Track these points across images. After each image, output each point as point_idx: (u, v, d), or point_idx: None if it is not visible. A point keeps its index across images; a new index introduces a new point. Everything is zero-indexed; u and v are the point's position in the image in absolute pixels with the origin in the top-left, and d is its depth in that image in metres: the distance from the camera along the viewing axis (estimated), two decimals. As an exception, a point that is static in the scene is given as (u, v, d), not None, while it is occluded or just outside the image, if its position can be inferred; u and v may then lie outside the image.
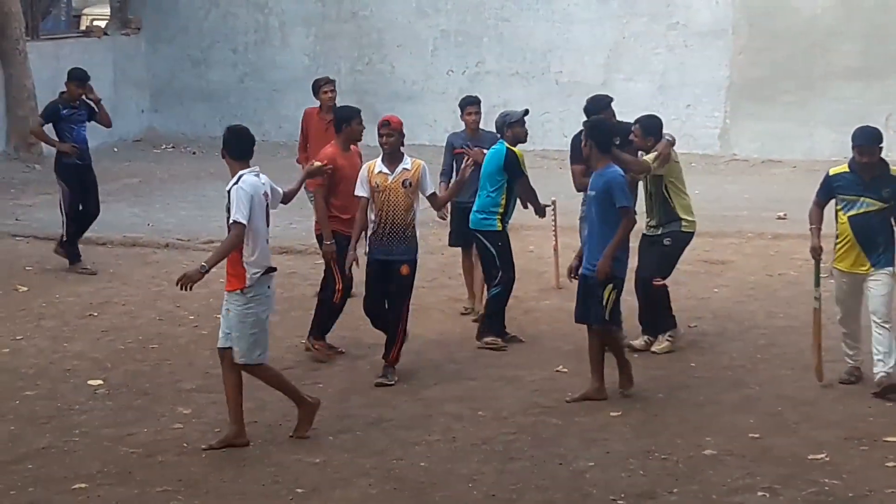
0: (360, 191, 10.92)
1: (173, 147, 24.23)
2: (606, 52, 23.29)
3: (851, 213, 10.35)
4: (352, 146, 11.60)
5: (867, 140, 10.39)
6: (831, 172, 10.59)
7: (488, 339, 11.79)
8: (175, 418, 10.00)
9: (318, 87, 14.43)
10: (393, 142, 10.94)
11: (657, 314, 11.69)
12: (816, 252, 10.52)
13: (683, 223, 11.55)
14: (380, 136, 10.96)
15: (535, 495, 8.47)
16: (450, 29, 24.15)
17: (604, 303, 10.16)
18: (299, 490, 8.63)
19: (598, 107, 12.05)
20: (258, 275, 9.24)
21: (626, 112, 22.48)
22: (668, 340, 11.61)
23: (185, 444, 9.45)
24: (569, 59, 23.42)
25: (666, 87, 23.02)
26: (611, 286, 10.19)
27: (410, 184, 10.87)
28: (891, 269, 10.38)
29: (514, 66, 23.71)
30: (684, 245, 11.75)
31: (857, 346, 10.73)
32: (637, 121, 11.70)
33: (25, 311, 13.14)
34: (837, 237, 10.49)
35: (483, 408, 10.23)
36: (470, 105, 13.23)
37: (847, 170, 10.46)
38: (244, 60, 25.35)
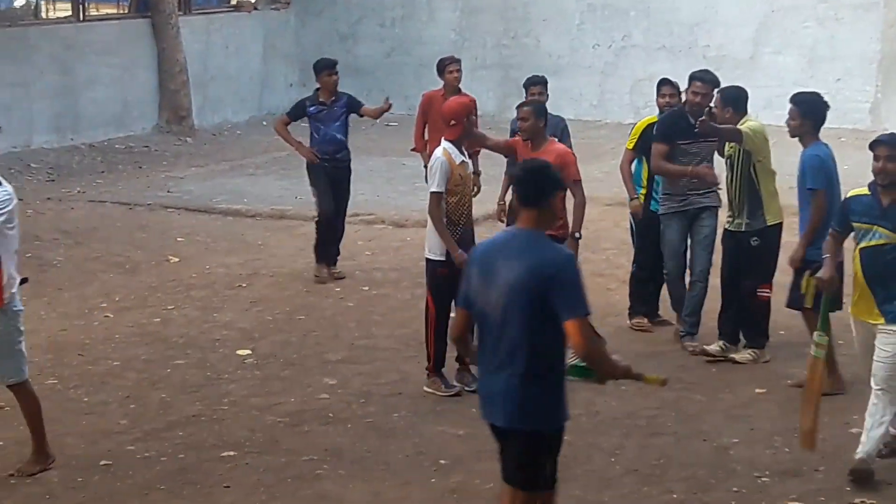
0: (441, 187, 9.92)
1: (321, 121, 24.45)
2: (755, 26, 22.97)
3: (863, 244, 8.36)
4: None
5: (882, 139, 8.41)
6: (850, 194, 8.58)
7: (635, 321, 11.71)
8: (321, 389, 10.14)
9: (443, 67, 13.70)
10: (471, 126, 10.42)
11: (750, 326, 10.79)
12: (826, 284, 8.55)
13: (768, 217, 10.52)
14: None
15: (677, 471, 8.45)
16: (596, 2, 23.99)
17: (801, 290, 9.32)
18: (442, 461, 8.71)
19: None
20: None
21: (773, 86, 22.30)
22: (751, 355, 10.72)
23: (330, 415, 9.58)
24: (716, 33, 23.15)
25: (815, 61, 22.65)
26: (808, 273, 9.14)
27: (475, 172, 10.81)
28: None
29: (661, 40, 23.50)
30: (777, 240, 10.64)
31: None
32: (720, 91, 10.90)
33: (176, 281, 13.40)
34: (853, 276, 8.56)
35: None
36: (534, 85, 12.13)
37: (867, 192, 8.43)
38: (391, 35, 25.47)
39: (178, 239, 15.24)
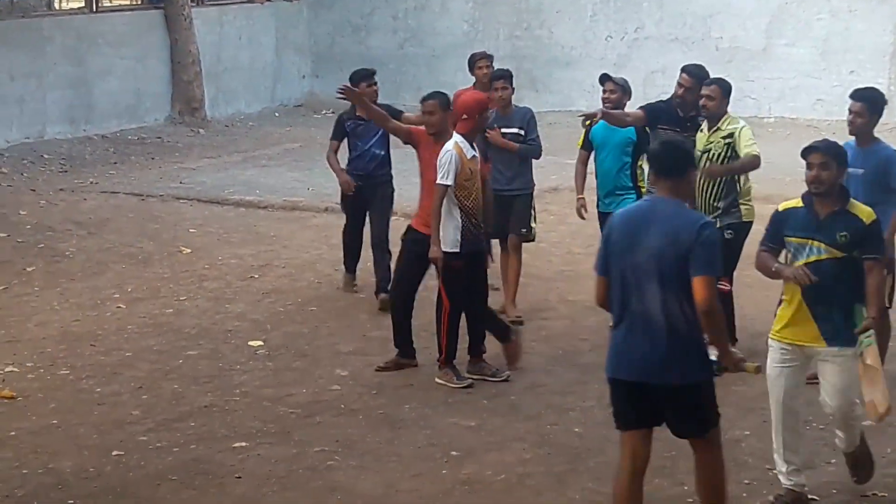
0: (449, 179, 9.87)
1: (333, 112, 24.24)
2: (768, 17, 22.92)
3: (800, 261, 7.64)
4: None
5: (815, 145, 7.77)
6: (781, 207, 7.91)
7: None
8: (333, 380, 10.15)
9: (473, 63, 12.70)
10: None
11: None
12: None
13: (743, 210, 10.41)
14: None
15: (689, 463, 8.39)
16: (609, -6, 24.01)
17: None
18: (454, 453, 8.71)
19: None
20: None
21: (787, 78, 22.29)
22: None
23: (342, 406, 9.59)
24: (730, 25, 23.10)
25: (828, 53, 22.60)
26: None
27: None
28: (853, 349, 7.63)
29: (674, 32, 23.46)
30: (745, 237, 10.37)
31: (795, 459, 7.88)
32: (716, 80, 10.59)
33: (188, 272, 13.41)
34: (782, 295, 7.90)
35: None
36: (497, 80, 11.78)
37: (800, 204, 7.76)
38: (404, 26, 25.45)
39: (191, 230, 15.25)
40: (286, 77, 25.14)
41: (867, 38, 22.31)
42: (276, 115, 23.62)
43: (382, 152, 12.28)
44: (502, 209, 11.26)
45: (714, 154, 10.36)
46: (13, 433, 9.06)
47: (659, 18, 23.58)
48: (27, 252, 14.10)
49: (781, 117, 22.01)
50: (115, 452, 8.75)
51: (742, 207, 10.42)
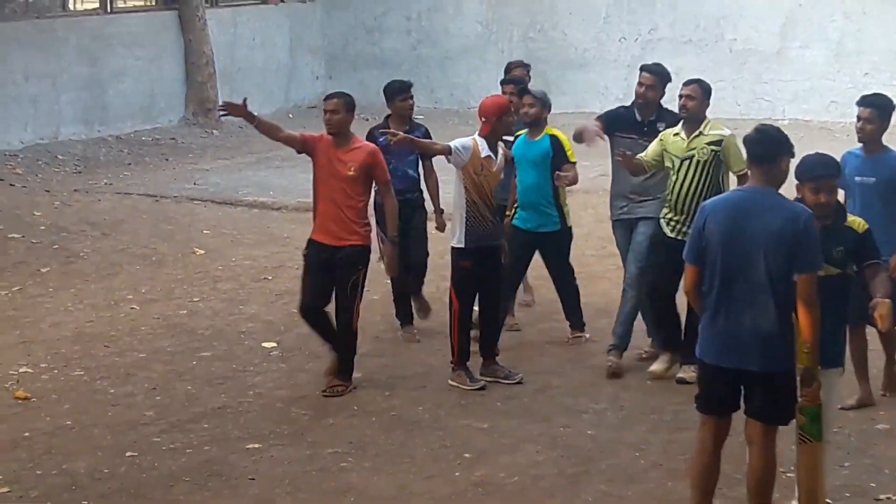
0: (457, 146, 9.95)
1: (347, 113, 24.44)
2: (782, 20, 22.93)
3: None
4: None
5: (826, 169, 7.50)
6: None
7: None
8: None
9: (509, 71, 12.51)
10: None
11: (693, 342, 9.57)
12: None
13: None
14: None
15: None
16: (623, -5, 24.02)
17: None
18: (467, 455, 8.72)
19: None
20: None
21: (800, 80, 22.26)
22: (695, 372, 8.40)
23: (355, 407, 9.59)
24: (743, 26, 23.11)
25: (842, 55, 22.60)
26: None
27: (501, 169, 10.34)
28: (838, 369, 7.62)
29: (688, 34, 23.47)
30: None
31: None
32: (699, 82, 10.15)
33: (202, 273, 13.44)
34: None
35: (652, 377, 10.21)
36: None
37: None
38: (417, 28, 25.48)
39: (205, 231, 15.28)
40: (300, 78, 25.20)
41: (881, 40, 22.31)
42: (290, 116, 23.63)
43: (415, 174, 11.35)
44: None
45: (698, 161, 9.91)
46: (27, 434, 9.09)
47: (672, 20, 23.58)
48: (41, 253, 14.14)
49: (795, 119, 22.01)
50: (128, 453, 8.77)
51: None
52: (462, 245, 9.99)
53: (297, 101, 24.65)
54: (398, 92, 11.22)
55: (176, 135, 21.45)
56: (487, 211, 10.01)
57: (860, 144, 9.54)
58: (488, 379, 10.07)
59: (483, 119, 10.09)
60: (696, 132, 9.98)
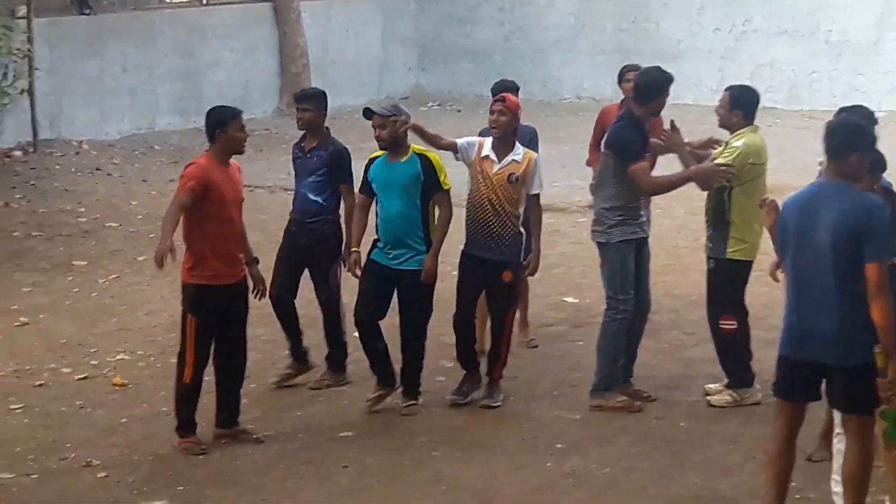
0: (462, 143, 9.48)
1: (439, 105, 24.52)
2: (879, 10, 22.63)
3: None
4: (231, 161, 9.10)
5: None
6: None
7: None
8: (438, 371, 10.17)
9: (622, 75, 11.57)
10: (504, 122, 9.36)
11: (724, 363, 9.57)
12: None
13: (731, 245, 9.31)
14: (491, 112, 9.49)
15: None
16: (717, -14, 23.85)
17: None
18: (559, 445, 8.73)
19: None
20: None
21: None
22: (729, 397, 9.47)
23: (446, 397, 9.62)
24: (839, 18, 22.83)
25: (942, 47, 22.31)
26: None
27: (517, 178, 9.34)
28: None
29: (782, 25, 23.23)
30: (733, 277, 9.36)
31: None
32: (729, 89, 9.61)
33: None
34: None
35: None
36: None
37: None
38: (510, 19, 25.45)
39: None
40: (392, 70, 25.27)
41: (981, 31, 21.98)
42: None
43: (318, 198, 10.12)
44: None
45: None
46: (124, 420, 9.22)
47: (767, 11, 23.36)
48: (138, 242, 14.31)
49: (892, 111, 21.71)
50: (223, 440, 8.87)
51: (732, 242, 9.29)
52: (462, 248, 9.57)
53: (390, 92, 24.70)
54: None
55: (270, 125, 21.60)
56: (493, 217, 9.33)
57: None
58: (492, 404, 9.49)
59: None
60: (725, 143, 9.54)
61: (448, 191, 9.31)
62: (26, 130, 18.41)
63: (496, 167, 9.37)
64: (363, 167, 9.52)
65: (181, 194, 8.72)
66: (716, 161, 9.33)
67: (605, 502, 7.91)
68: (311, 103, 10.14)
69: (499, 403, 9.52)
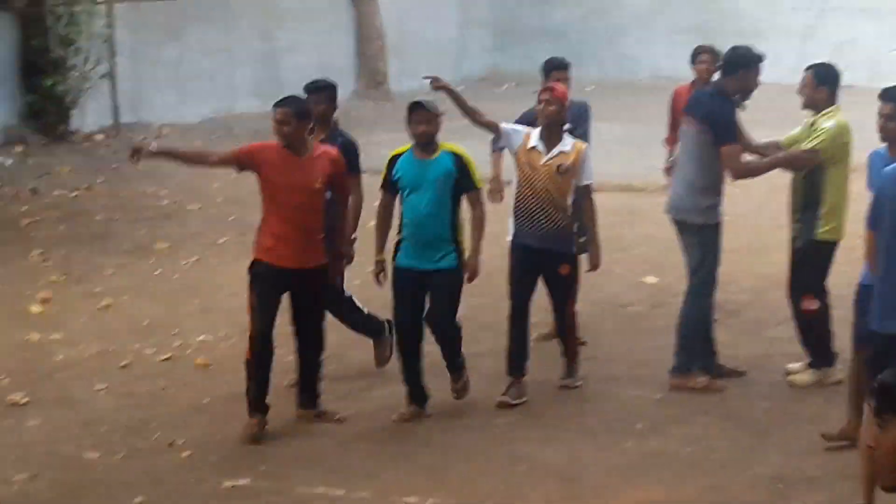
0: (507, 127, 9.46)
1: (516, 85, 24.48)
2: (962, -14, 22.38)
3: None
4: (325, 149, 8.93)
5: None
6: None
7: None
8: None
9: (695, 56, 11.59)
10: (552, 112, 9.17)
11: (806, 343, 9.52)
12: None
13: (821, 226, 9.18)
14: (538, 102, 9.32)
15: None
16: (797, -37, 23.65)
17: None
18: (639, 426, 8.73)
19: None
20: None
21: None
22: (811, 376, 9.46)
23: (527, 378, 9.61)
24: (922, -6, 22.60)
25: None
26: None
27: (566, 170, 9.14)
28: None
29: (863, 3, 23.00)
30: (820, 258, 9.28)
31: None
32: (812, 67, 9.40)
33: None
34: None
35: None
36: (557, 69, 10.53)
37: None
38: (586, -1, 25.41)
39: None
40: (469, 51, 25.28)
41: None
42: (460, 88, 23.59)
43: None
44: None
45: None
46: (208, 400, 9.32)
47: (847, -11, 23.14)
48: (219, 224, 14.44)
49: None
50: (312, 420, 8.94)
51: (822, 223, 9.19)
52: (509, 238, 9.45)
53: (466, 73, 24.71)
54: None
55: (347, 108, 21.59)
56: (537, 208, 9.18)
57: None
58: (512, 401, 9.23)
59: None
60: (812, 122, 9.37)
61: (480, 189, 8.99)
62: (107, 115, 18.63)
63: (544, 158, 9.17)
64: (386, 164, 9.09)
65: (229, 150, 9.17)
66: (808, 142, 9.20)
67: (686, 482, 7.90)
68: (322, 95, 9.75)
69: (579, 384, 9.52)
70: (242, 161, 8.91)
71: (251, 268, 8.79)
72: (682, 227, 9.40)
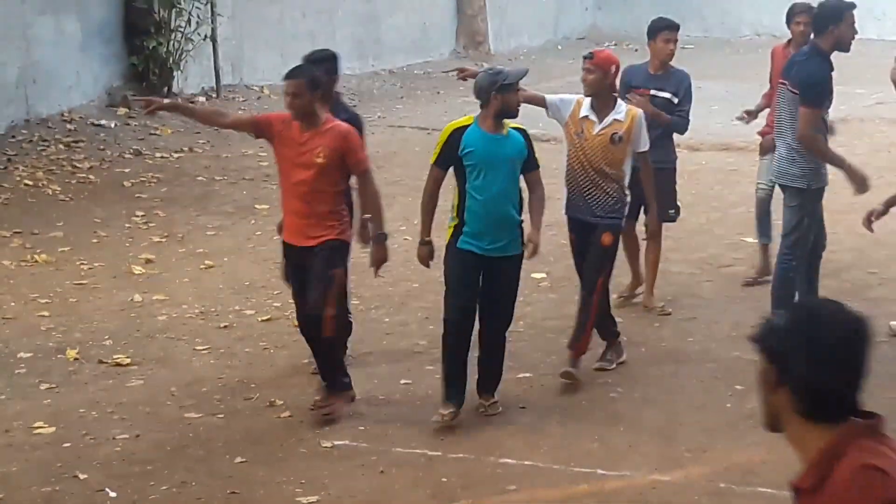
0: (553, 98, 9.14)
1: (615, 44, 24.28)
2: None
3: None
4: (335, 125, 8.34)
5: None
6: None
7: None
8: (614, 313, 10.14)
9: (790, 17, 11.04)
10: (594, 81, 8.81)
11: None
12: None
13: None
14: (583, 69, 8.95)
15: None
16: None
17: None
18: (738, 386, 8.67)
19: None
20: None
21: None
22: None
23: (624, 339, 9.58)
24: None
25: None
26: None
27: (621, 138, 8.80)
28: None
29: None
30: None
31: None
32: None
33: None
34: None
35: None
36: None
37: None
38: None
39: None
40: (569, 10, 25.14)
41: None
42: (559, 48, 23.62)
43: None
44: (638, 184, 9.30)
45: None
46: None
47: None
48: (318, 185, 14.50)
49: None
50: (402, 381, 8.99)
51: None
52: (564, 211, 9.18)
53: (567, 32, 24.62)
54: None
55: (447, 67, 21.64)
56: (586, 180, 8.87)
57: None
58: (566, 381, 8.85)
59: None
60: None
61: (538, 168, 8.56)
62: (209, 76, 18.78)
63: (597, 127, 8.82)
64: (442, 137, 8.40)
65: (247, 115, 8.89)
66: None
67: (785, 443, 7.80)
68: (322, 67, 8.85)
69: (614, 366, 9.12)
70: (260, 128, 8.54)
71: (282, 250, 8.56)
72: (785, 189, 9.31)
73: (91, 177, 14.89)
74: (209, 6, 18.39)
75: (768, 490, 7.19)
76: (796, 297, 9.32)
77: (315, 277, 8.23)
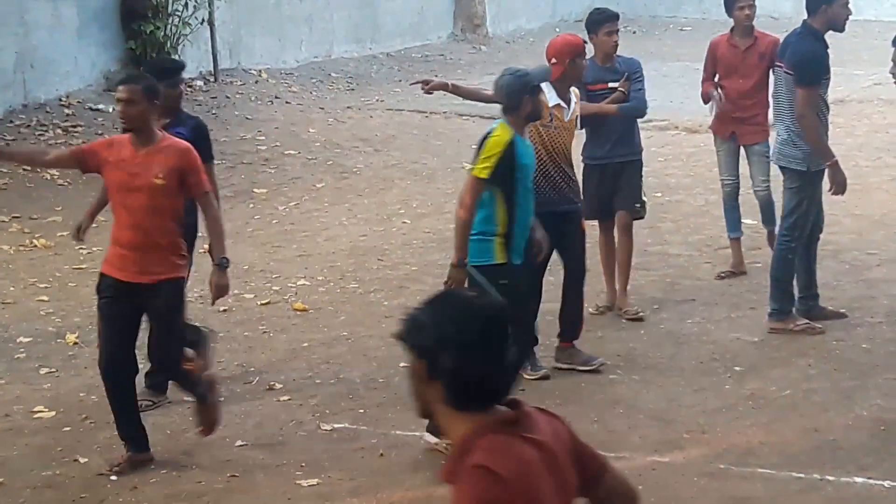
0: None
1: (615, 26, 24.32)
2: None
3: None
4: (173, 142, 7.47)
5: None
6: None
7: None
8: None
9: (732, 3, 10.61)
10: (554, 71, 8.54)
11: None
12: None
13: None
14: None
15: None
16: None
17: None
18: (737, 368, 8.68)
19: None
20: None
21: None
22: None
23: (623, 321, 9.61)
24: None
25: None
26: None
27: (580, 119, 8.96)
28: None
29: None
30: None
31: None
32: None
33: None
34: None
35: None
36: (607, 22, 9.74)
37: None
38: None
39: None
40: (567, -9, 25.11)
41: None
42: (557, 30, 23.51)
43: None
44: (605, 182, 9.56)
45: None
46: (306, 344, 9.40)
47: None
48: (317, 169, 14.52)
49: None
50: (402, 364, 8.97)
51: None
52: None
53: (564, 14, 24.56)
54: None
55: (444, 51, 21.65)
56: (555, 171, 8.64)
57: None
58: (562, 366, 8.83)
59: (553, 61, 8.65)
60: None
61: None
62: (207, 60, 18.73)
63: (567, 114, 8.69)
64: (486, 146, 8.02)
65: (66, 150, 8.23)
66: None
67: (785, 424, 7.85)
68: (165, 78, 8.03)
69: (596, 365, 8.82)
70: (84, 159, 7.57)
71: (98, 284, 7.57)
72: (785, 171, 9.30)
73: (89, 161, 14.86)
74: (206, -11, 18.35)
75: (767, 471, 7.20)
76: (794, 280, 9.33)
77: (163, 331, 7.56)
